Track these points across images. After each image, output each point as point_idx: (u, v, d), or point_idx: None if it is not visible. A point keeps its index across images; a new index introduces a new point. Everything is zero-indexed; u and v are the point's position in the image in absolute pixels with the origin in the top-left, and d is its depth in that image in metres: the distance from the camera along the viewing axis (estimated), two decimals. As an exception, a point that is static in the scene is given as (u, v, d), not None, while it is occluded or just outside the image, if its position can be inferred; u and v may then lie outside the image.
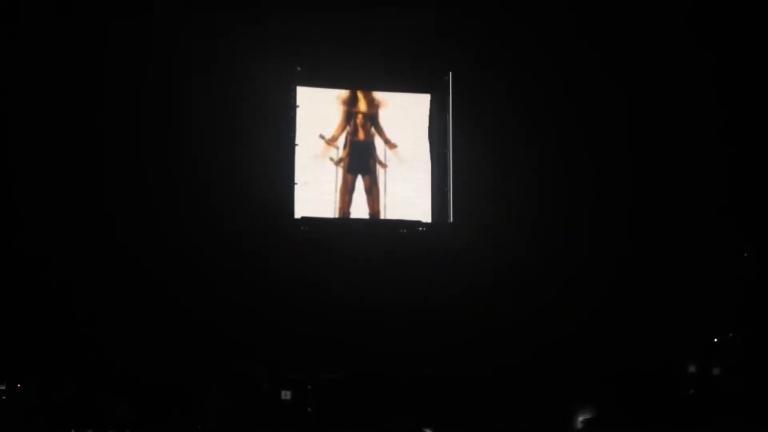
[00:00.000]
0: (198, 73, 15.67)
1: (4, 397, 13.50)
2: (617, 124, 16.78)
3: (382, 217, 16.62)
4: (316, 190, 16.49)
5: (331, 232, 16.39)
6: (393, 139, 16.90)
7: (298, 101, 16.52)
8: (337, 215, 16.54)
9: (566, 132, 16.75)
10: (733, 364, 14.01)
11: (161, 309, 14.93)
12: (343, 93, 16.80)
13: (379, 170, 16.87)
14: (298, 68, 16.50)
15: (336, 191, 16.63)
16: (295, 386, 14.46)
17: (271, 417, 14.04)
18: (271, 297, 15.60)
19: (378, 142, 16.96)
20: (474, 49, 16.69)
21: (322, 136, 16.58)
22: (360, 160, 16.92)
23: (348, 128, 16.91)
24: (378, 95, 16.88)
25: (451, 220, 16.64)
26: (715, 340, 14.85)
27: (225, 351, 14.85)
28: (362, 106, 16.84)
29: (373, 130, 17.03)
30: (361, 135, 17.06)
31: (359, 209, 16.70)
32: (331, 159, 16.77)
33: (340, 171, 16.74)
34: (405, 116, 16.97)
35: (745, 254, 15.70)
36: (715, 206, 16.36)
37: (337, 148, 16.68)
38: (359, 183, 16.89)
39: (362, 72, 16.68)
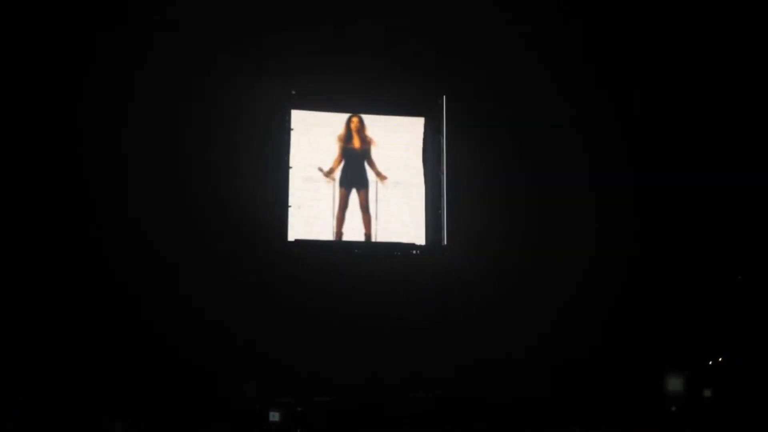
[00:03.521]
0: (191, 95, 15.77)
1: None
2: (616, 144, 16.73)
3: (375, 239, 16.51)
4: (310, 213, 16.43)
5: (325, 255, 16.34)
6: (386, 164, 16.78)
7: (293, 124, 16.53)
8: (333, 237, 16.43)
9: (563, 153, 16.72)
10: (725, 387, 13.77)
11: (150, 333, 14.92)
12: (340, 130, 16.79)
13: (378, 185, 16.61)
14: (293, 92, 16.54)
15: (333, 215, 16.51)
16: (285, 409, 14.31)
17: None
18: (264, 320, 15.59)
19: (374, 153, 16.74)
20: (468, 71, 16.75)
21: (320, 169, 16.55)
22: (354, 172, 16.67)
23: (340, 134, 16.73)
24: (370, 132, 16.84)
25: (445, 242, 16.53)
26: (710, 363, 14.64)
27: (214, 375, 14.79)
28: (356, 143, 16.82)
29: (369, 136, 16.81)
30: (356, 142, 16.78)
31: (353, 231, 16.56)
32: (320, 169, 16.54)
33: (334, 187, 16.50)
34: (399, 139, 16.92)
35: (739, 277, 15.51)
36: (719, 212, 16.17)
37: (334, 179, 16.62)
38: (353, 199, 16.64)
39: (356, 95, 16.73)
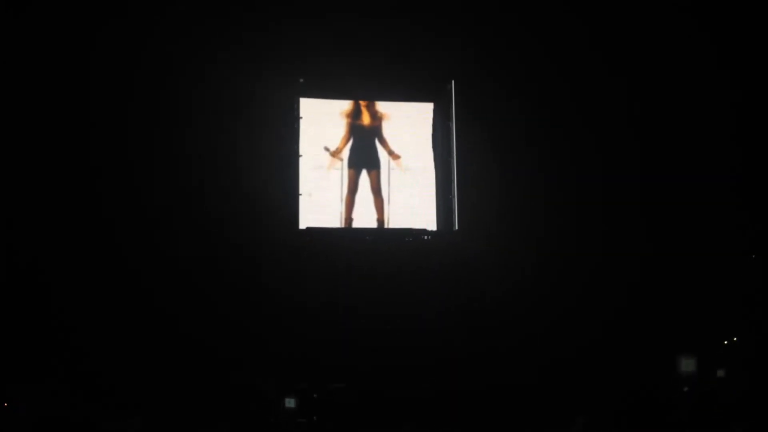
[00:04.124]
0: (201, 86, 15.80)
1: None
2: (623, 128, 16.70)
3: (387, 225, 16.48)
4: (320, 201, 16.40)
5: (336, 243, 16.35)
6: (396, 150, 16.73)
7: (302, 112, 16.52)
8: (342, 223, 16.36)
9: (571, 137, 16.69)
10: (738, 367, 13.81)
11: (165, 320, 14.98)
12: (346, 105, 16.67)
13: (390, 165, 16.05)
14: (301, 80, 16.53)
15: (342, 200, 16.32)
16: (300, 395, 14.39)
17: (276, 425, 14.00)
18: (277, 308, 15.63)
19: (387, 130, 16.21)
20: (476, 57, 16.71)
21: (327, 149, 16.35)
22: (363, 151, 16.00)
23: (347, 109, 16.10)
24: (381, 107, 16.77)
25: (456, 227, 16.56)
26: (725, 342, 14.67)
27: (230, 361, 14.86)
28: (366, 119, 16.64)
29: (380, 111, 16.16)
30: (365, 118, 16.14)
31: (363, 216, 16.44)
32: (326, 149, 15.91)
33: (342, 169, 15.87)
34: (408, 125, 16.88)
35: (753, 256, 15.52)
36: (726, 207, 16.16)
37: (342, 159, 16.38)
38: (364, 182, 16.12)
39: (364, 82, 16.68)
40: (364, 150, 16.15)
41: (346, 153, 16.21)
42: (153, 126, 15.69)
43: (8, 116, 15.01)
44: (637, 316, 15.66)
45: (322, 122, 16.62)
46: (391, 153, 16.49)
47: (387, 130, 16.58)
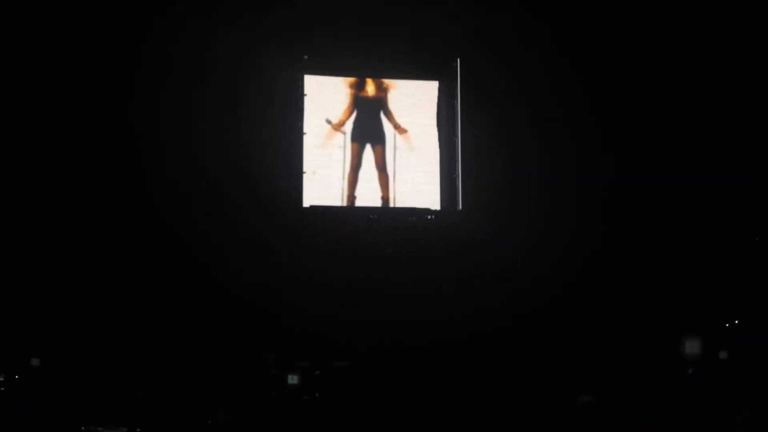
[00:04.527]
0: (204, 64, 15.75)
1: (2, 389, 13.50)
2: (628, 110, 16.63)
3: (391, 204, 16.41)
4: (324, 179, 16.31)
5: (340, 221, 16.29)
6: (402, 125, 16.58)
7: (306, 90, 16.41)
8: (344, 201, 16.23)
9: (576, 119, 16.61)
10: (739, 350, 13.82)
11: (170, 300, 15.03)
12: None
13: (396, 139, 15.52)
14: (305, 56, 16.41)
15: (344, 176, 16.00)
16: (303, 372, 14.45)
17: (278, 401, 14.08)
18: (280, 286, 15.65)
19: (392, 101, 15.76)
20: (481, 35, 16.59)
21: (328, 121, 16.04)
22: (368, 124, 15.44)
23: (351, 79, 15.58)
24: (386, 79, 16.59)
25: (460, 207, 16.53)
26: (727, 325, 14.67)
27: (233, 339, 14.91)
28: (370, 90, 16.40)
29: (386, 83, 15.67)
30: (370, 89, 15.64)
31: (368, 193, 16.26)
32: (328, 121, 15.37)
33: (345, 142, 15.31)
34: (413, 103, 16.76)
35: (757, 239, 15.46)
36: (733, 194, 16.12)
37: (344, 133, 16.08)
38: (368, 156, 15.62)
39: (369, 59, 16.54)
40: (368, 123, 15.72)
41: (349, 126, 15.77)
42: (158, 106, 15.62)
43: (14, 110, 14.99)
44: (640, 298, 15.63)
45: (328, 99, 16.46)
46: (397, 126, 16.17)
47: (393, 100, 16.20)
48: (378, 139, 15.79)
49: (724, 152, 15.98)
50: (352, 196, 16.19)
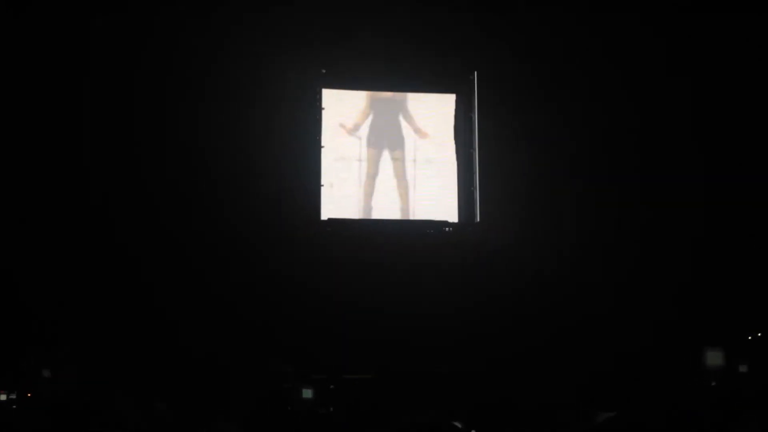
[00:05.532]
0: (222, 76, 15.82)
1: (14, 406, 13.52)
2: (646, 121, 16.44)
3: (413, 215, 16.33)
4: (341, 191, 16.33)
5: (357, 234, 16.28)
6: (418, 141, 16.46)
7: (324, 103, 16.45)
8: (360, 212, 16.15)
9: (594, 129, 16.47)
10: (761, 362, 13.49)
11: (186, 309, 15.04)
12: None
13: (416, 144, 15.03)
14: (323, 70, 16.47)
15: (360, 184, 15.74)
16: (318, 386, 14.35)
17: (292, 415, 13.96)
18: (298, 299, 15.61)
19: (412, 104, 15.17)
20: (498, 47, 16.53)
21: (342, 126, 15.82)
22: (386, 128, 14.88)
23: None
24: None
25: (478, 219, 16.42)
26: (749, 338, 14.35)
27: (249, 351, 14.88)
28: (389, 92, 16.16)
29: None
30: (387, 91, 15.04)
31: (384, 204, 16.19)
32: (342, 126, 14.78)
33: (360, 147, 14.67)
34: (431, 114, 16.72)
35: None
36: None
37: (360, 138, 15.75)
38: (386, 165, 15.07)
39: (387, 73, 16.55)
40: (386, 127, 15.08)
41: (365, 130, 15.09)
42: (174, 118, 15.73)
43: (15, 108, 15.12)
44: (666, 313, 15.34)
45: (344, 112, 16.47)
46: (418, 130, 15.78)
47: (413, 102, 15.78)
48: (396, 145, 15.19)
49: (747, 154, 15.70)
50: (368, 206, 16.10)
